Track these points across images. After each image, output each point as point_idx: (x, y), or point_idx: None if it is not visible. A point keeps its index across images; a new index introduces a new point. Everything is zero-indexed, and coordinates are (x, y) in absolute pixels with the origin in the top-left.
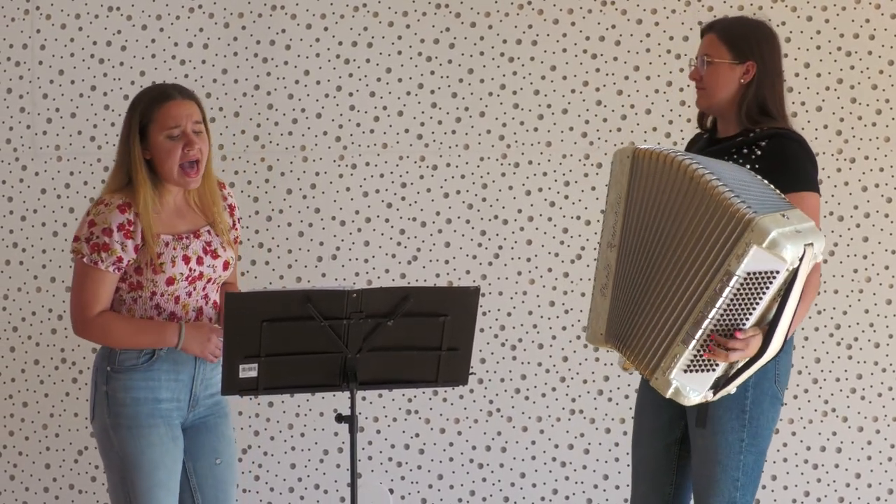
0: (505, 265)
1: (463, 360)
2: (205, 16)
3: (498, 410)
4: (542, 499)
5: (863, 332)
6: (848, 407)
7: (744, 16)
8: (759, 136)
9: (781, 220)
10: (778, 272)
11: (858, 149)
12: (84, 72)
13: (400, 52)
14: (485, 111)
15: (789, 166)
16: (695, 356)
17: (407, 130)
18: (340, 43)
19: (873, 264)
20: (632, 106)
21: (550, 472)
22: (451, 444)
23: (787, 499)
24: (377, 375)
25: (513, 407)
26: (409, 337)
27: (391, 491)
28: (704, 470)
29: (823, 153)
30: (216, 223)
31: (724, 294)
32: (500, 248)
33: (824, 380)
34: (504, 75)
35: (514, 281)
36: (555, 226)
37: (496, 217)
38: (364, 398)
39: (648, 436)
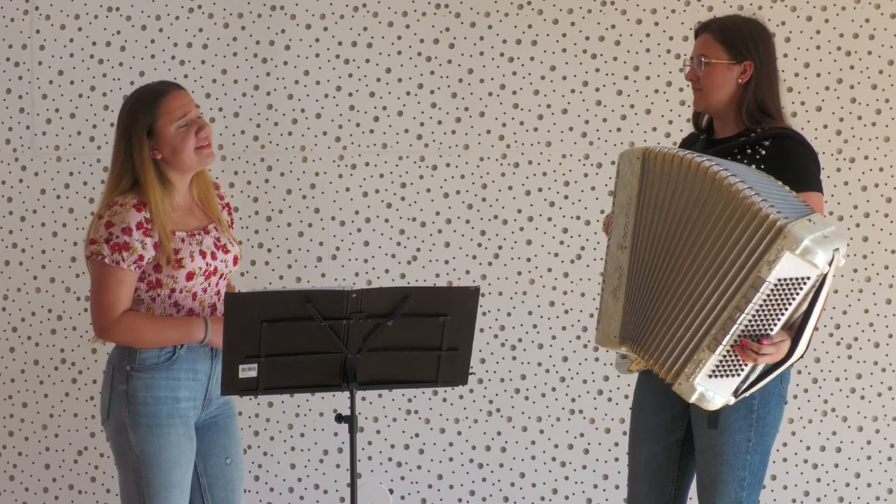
0: (505, 265)
1: (463, 360)
2: (204, 16)
3: (498, 410)
4: (542, 499)
5: (862, 331)
6: (848, 406)
7: (738, 14)
8: (761, 136)
9: (810, 226)
10: (808, 278)
11: (858, 149)
12: (83, 72)
13: (400, 53)
14: (484, 111)
15: (794, 166)
16: (720, 362)
17: (407, 130)
18: (340, 43)
19: (873, 264)
20: (631, 106)
21: (550, 472)
22: (450, 444)
23: (786, 498)
24: (377, 375)
25: (512, 407)
26: (409, 337)
27: (391, 491)
28: (711, 469)
29: (823, 153)
30: (220, 220)
31: (754, 300)
32: (500, 248)
33: (824, 379)
34: (504, 75)
35: (513, 281)
36: (554, 226)
37: (496, 217)
38: (364, 398)
39: (649, 435)
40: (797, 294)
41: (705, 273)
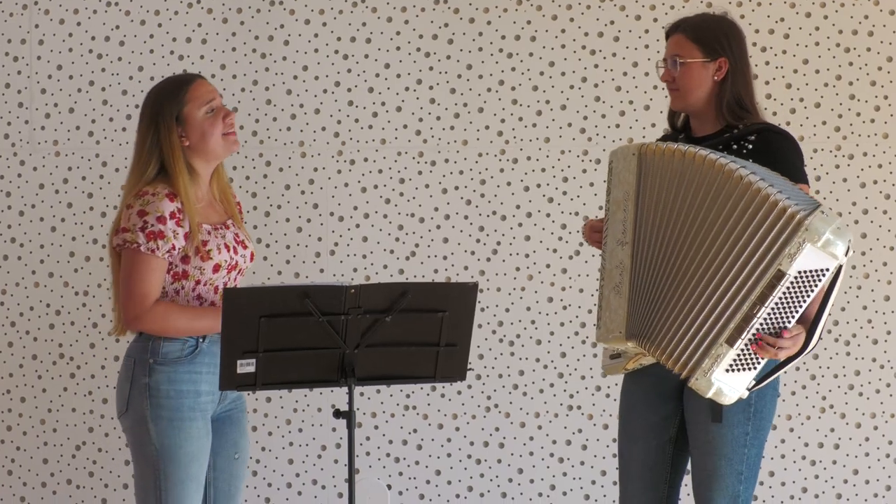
0: (503, 261)
1: (461, 356)
2: (203, 11)
3: (496, 406)
4: (540, 494)
5: (861, 328)
6: (846, 403)
7: (707, 12)
8: (744, 131)
9: (826, 218)
10: (827, 269)
11: (857, 145)
12: (82, 67)
13: (398, 48)
14: (483, 107)
15: (781, 160)
16: (738, 356)
17: (405, 126)
18: (339, 38)
19: (871, 261)
20: (630, 102)
21: (548, 467)
22: (448, 440)
23: (784, 495)
24: (375, 371)
25: (511, 403)
26: (408, 333)
27: (389, 486)
28: (707, 464)
29: (822, 149)
30: (236, 217)
31: (774, 293)
32: (499, 243)
33: (822, 376)
34: (503, 71)
35: (512, 277)
36: (553, 222)
37: (494, 213)
38: (362, 394)
39: (643, 434)
40: (815, 286)
41: (719, 266)
